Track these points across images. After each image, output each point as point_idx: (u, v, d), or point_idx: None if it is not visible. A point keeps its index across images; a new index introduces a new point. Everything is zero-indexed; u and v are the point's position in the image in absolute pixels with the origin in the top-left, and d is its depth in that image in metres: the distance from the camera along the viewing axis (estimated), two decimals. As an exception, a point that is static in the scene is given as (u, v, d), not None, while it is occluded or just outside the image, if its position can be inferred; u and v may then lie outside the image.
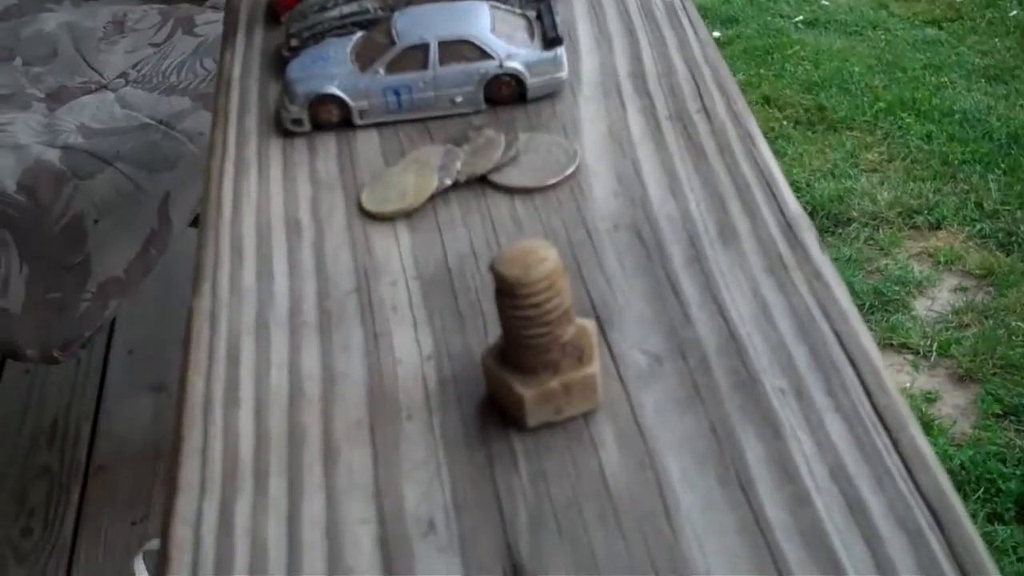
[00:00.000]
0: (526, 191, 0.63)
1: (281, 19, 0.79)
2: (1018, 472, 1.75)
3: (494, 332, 0.53)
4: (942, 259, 2.29)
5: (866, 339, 0.52)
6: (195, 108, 1.75)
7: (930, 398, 1.98)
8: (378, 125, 0.69)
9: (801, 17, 3.28)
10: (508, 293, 0.47)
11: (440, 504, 0.46)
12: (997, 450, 1.81)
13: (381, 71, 0.68)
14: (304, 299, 0.57)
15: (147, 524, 1.69)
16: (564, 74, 0.70)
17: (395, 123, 0.69)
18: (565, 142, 0.66)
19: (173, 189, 1.61)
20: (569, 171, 0.63)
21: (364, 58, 0.69)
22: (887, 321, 2.14)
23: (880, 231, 2.38)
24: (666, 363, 0.52)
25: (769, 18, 3.28)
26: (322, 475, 0.48)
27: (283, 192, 0.65)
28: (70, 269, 1.52)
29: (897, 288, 2.22)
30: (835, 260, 2.27)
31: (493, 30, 0.69)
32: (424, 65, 0.68)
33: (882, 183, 2.53)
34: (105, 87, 1.91)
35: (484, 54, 0.68)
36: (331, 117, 0.69)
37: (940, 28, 3.16)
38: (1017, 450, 1.81)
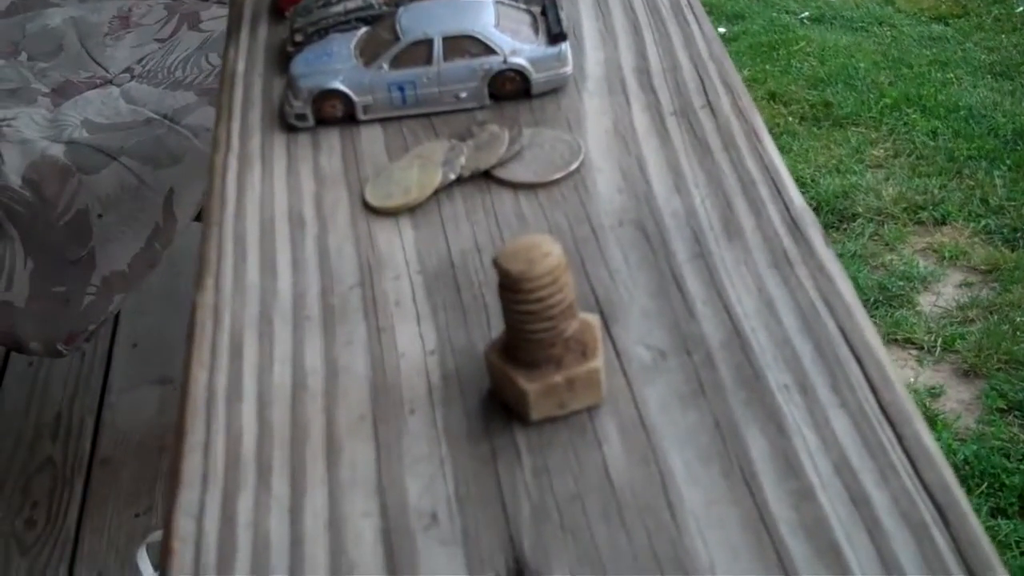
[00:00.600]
0: (530, 186, 0.63)
1: (285, 14, 0.79)
2: (1022, 467, 1.75)
3: (497, 327, 0.53)
4: (947, 255, 2.29)
5: (871, 335, 0.52)
6: (200, 103, 1.75)
7: (934, 393, 1.98)
8: (382, 120, 0.69)
9: (807, 13, 3.28)
10: (511, 288, 0.47)
11: (443, 498, 0.46)
12: (1001, 445, 1.81)
13: (385, 66, 0.68)
14: (307, 294, 0.57)
15: (150, 516, 1.70)
16: (569, 70, 0.70)
17: (399, 118, 0.69)
18: (569, 137, 0.66)
19: (177, 184, 1.61)
20: (573, 167, 0.63)
21: (368, 53, 0.69)
22: (892, 316, 2.14)
23: (885, 227, 2.38)
24: (670, 358, 0.52)
25: (775, 14, 3.28)
26: (324, 469, 0.48)
27: (287, 187, 0.65)
28: (74, 263, 1.52)
29: (902, 283, 2.22)
30: (840, 256, 2.26)
31: (497, 25, 0.69)
32: (428, 60, 0.68)
33: (887, 179, 2.52)
34: (110, 82, 1.91)
35: (488, 49, 0.68)
36: (335, 112, 0.69)
37: (946, 24, 3.16)
38: (1021, 445, 1.81)
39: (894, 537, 0.42)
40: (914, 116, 2.72)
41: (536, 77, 0.69)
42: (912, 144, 2.63)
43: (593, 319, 0.50)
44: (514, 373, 0.48)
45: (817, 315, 0.53)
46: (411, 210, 0.62)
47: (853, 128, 2.72)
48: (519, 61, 0.68)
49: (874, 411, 0.48)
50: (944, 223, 2.39)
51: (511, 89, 0.69)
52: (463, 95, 0.69)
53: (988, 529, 1.67)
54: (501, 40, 0.68)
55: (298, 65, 0.70)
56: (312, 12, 0.75)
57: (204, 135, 1.68)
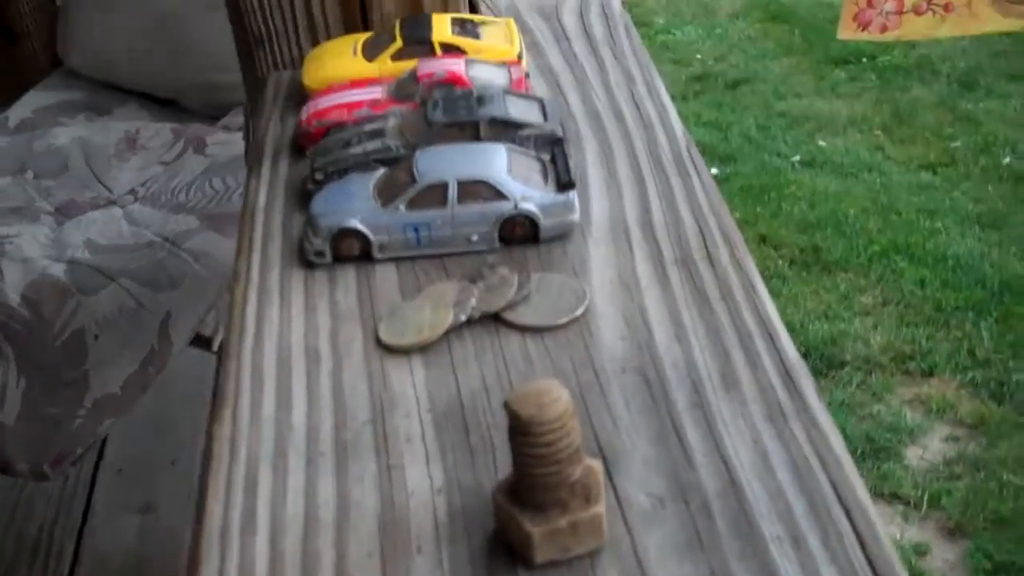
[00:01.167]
0: (537, 330, 0.65)
1: (306, 152, 0.82)
2: (1007, 631, 1.75)
3: (503, 467, 0.55)
4: (934, 407, 2.30)
5: (860, 490, 0.54)
6: (202, 228, 1.78)
7: (920, 551, 1.97)
8: (396, 259, 0.72)
9: (798, 157, 3.35)
10: (521, 431, 0.49)
11: (446, 637, 0.47)
12: (987, 607, 1.80)
13: (401, 207, 0.71)
14: (321, 428, 0.59)
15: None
16: (576, 217, 0.73)
17: (413, 258, 0.72)
18: (575, 283, 0.68)
19: (175, 308, 1.63)
20: (578, 312, 0.66)
21: (386, 194, 0.72)
22: (878, 469, 2.14)
23: (873, 376, 2.40)
24: (669, 506, 0.53)
25: (767, 157, 3.35)
26: (332, 603, 0.49)
27: (304, 322, 0.67)
28: (68, 384, 1.53)
29: (889, 435, 2.23)
30: (828, 404, 2.28)
31: (509, 172, 0.72)
32: (443, 203, 0.71)
33: (875, 327, 2.55)
34: (114, 203, 1.95)
35: (500, 195, 0.71)
36: (352, 250, 0.71)
37: (935, 173, 3.23)
38: (1007, 608, 1.80)
39: None
40: (902, 264, 2.76)
41: (545, 223, 0.72)
42: (900, 292, 2.66)
43: (596, 464, 0.52)
44: (519, 515, 0.50)
45: (810, 469, 0.55)
46: (423, 349, 0.64)
47: (842, 274, 2.76)
48: (529, 207, 0.71)
49: (862, 566, 0.49)
50: (931, 374, 2.41)
51: (521, 234, 0.72)
52: (475, 238, 0.72)
53: None
54: (513, 186, 0.71)
55: (318, 203, 0.73)
56: (332, 152, 0.78)
57: (204, 260, 1.70)
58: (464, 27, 0.92)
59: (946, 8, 1.70)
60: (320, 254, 0.71)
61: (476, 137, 0.76)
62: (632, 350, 0.63)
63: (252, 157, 0.86)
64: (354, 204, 0.72)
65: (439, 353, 0.64)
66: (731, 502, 0.53)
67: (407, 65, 0.87)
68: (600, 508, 0.51)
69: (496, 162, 0.72)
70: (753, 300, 0.67)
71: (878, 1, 1.72)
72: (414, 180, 0.72)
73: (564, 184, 0.73)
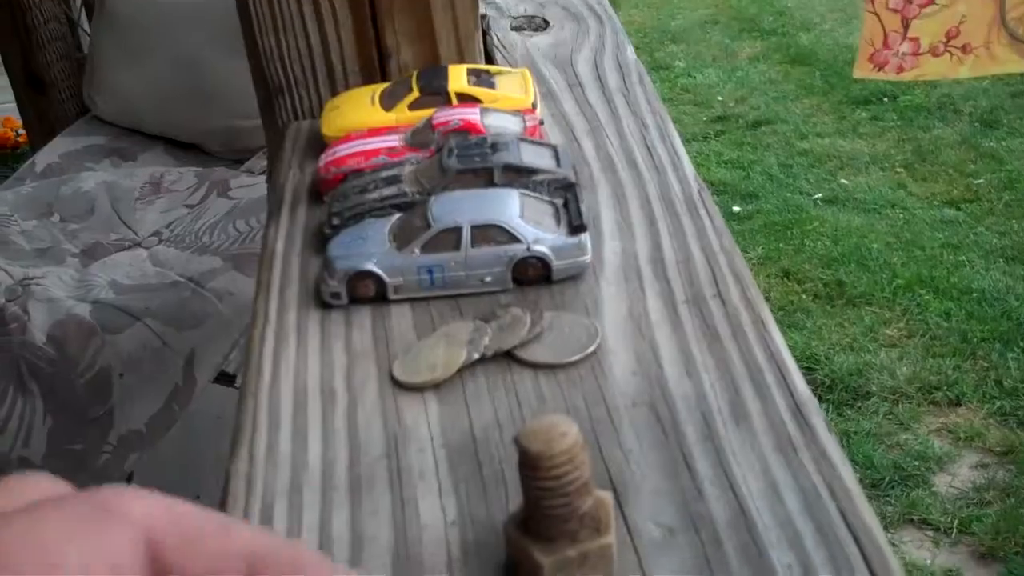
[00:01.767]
0: (549, 367, 0.66)
1: (324, 198, 0.84)
2: (1039, 656, 1.74)
3: (516, 500, 0.56)
4: (962, 435, 2.30)
5: (870, 517, 0.55)
6: (225, 268, 1.80)
7: (951, 576, 1.96)
8: (411, 300, 0.74)
9: (820, 194, 3.36)
10: (530, 465, 0.50)
11: (460, 667, 0.48)
12: (1018, 633, 1.79)
13: (416, 251, 0.73)
14: (336, 464, 0.60)
15: None
16: (588, 258, 0.74)
17: (427, 299, 0.74)
18: (587, 322, 0.70)
19: (198, 346, 1.65)
20: (590, 349, 0.67)
21: (401, 238, 0.74)
22: (907, 496, 2.14)
23: (900, 406, 2.40)
24: (679, 536, 0.54)
25: (789, 194, 3.37)
26: (349, 635, 0.50)
27: (320, 361, 0.69)
28: (93, 421, 1.55)
29: (917, 463, 2.23)
30: (855, 433, 2.29)
31: (522, 216, 0.73)
32: (457, 247, 0.73)
33: (901, 358, 2.55)
34: (139, 244, 1.98)
35: (513, 238, 0.73)
36: (368, 292, 0.73)
37: (958, 209, 3.23)
38: (1039, 633, 1.79)
39: None
40: (927, 297, 2.76)
41: (557, 264, 0.73)
42: (925, 325, 2.66)
43: (606, 496, 0.53)
44: (530, 546, 0.51)
45: (819, 498, 0.56)
46: (436, 386, 0.65)
47: (866, 307, 2.77)
48: (541, 249, 0.73)
49: (872, 594, 0.50)
50: (959, 404, 2.41)
51: (533, 275, 0.74)
52: (488, 279, 0.73)
53: None
54: (525, 230, 0.73)
55: (335, 247, 0.75)
56: (349, 198, 0.80)
57: (228, 299, 1.73)
58: (480, 77, 0.94)
59: (964, 50, 1.71)
60: (336, 295, 0.73)
61: (490, 183, 0.78)
62: (643, 385, 0.65)
63: (271, 203, 0.88)
64: (370, 248, 0.74)
65: (453, 390, 0.65)
66: (741, 531, 0.54)
67: (424, 114, 0.89)
68: (610, 539, 0.52)
69: (509, 206, 0.74)
70: (763, 336, 0.68)
71: (894, 42, 1.73)
72: (429, 224, 0.74)
73: (576, 227, 0.74)
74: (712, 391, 0.64)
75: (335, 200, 0.81)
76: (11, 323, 1.65)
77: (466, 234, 0.73)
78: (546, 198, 0.77)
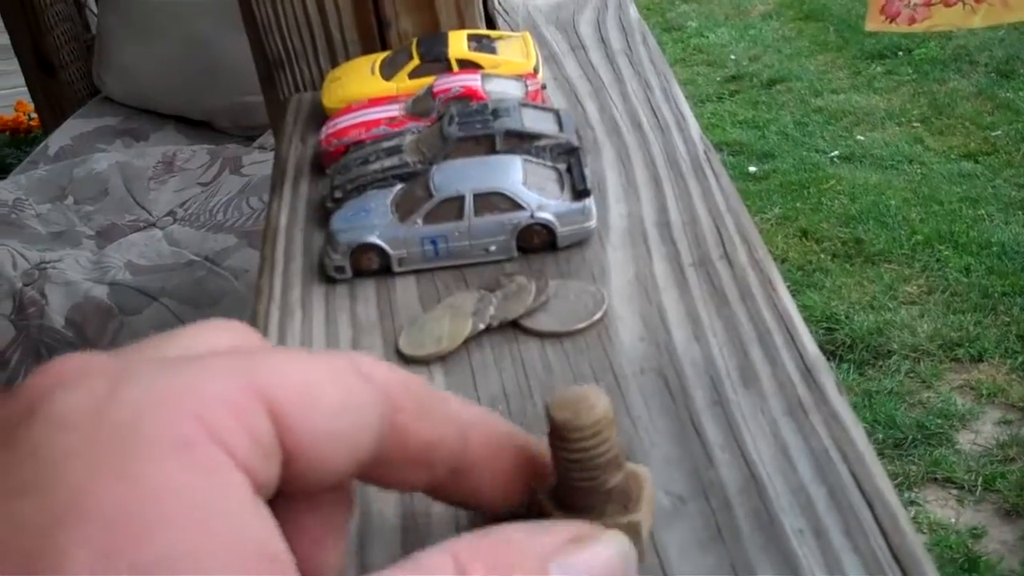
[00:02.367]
0: (556, 335, 0.66)
1: (326, 170, 0.84)
2: (1067, 611, 1.73)
3: (523, 472, 0.56)
4: (985, 392, 2.29)
5: (882, 480, 0.54)
6: (240, 245, 1.80)
7: (976, 534, 1.96)
8: (416, 272, 0.73)
9: (837, 152, 3.34)
10: (557, 435, 0.49)
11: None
12: (1046, 588, 1.78)
13: (419, 222, 0.72)
14: (342, 440, 0.59)
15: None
16: (592, 223, 0.73)
17: (432, 270, 0.73)
18: (593, 288, 0.69)
19: (216, 325, 1.65)
20: (597, 316, 0.66)
21: (403, 209, 0.73)
22: (930, 455, 2.13)
23: (921, 364, 2.39)
24: (690, 503, 0.54)
25: (805, 153, 3.34)
26: None
27: (325, 335, 0.68)
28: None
29: (940, 421, 2.21)
30: (876, 393, 2.27)
31: (525, 182, 0.72)
32: (460, 216, 0.72)
33: (922, 315, 2.53)
34: (153, 225, 1.98)
35: (516, 205, 0.72)
36: (371, 264, 0.72)
37: (976, 162, 3.20)
38: (1066, 588, 1.78)
39: None
40: (946, 253, 2.74)
41: (562, 231, 0.72)
42: (946, 281, 2.64)
43: (643, 471, 0.51)
44: (558, 518, 0.50)
45: (830, 461, 0.55)
46: (443, 358, 0.65)
47: (886, 265, 2.75)
48: (545, 216, 0.72)
49: (885, 556, 0.50)
50: (981, 360, 2.39)
51: (538, 242, 0.73)
52: (492, 248, 0.72)
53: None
54: (528, 196, 0.72)
55: (337, 220, 0.74)
56: (351, 170, 0.79)
57: (244, 277, 1.73)
58: (480, 43, 0.93)
59: None
60: (340, 269, 0.72)
61: (492, 150, 0.77)
62: (651, 351, 0.64)
63: (274, 177, 0.87)
64: (373, 220, 0.73)
65: (459, 361, 0.64)
66: (752, 497, 0.53)
67: (424, 82, 0.88)
68: (638, 517, 0.50)
69: (511, 173, 0.73)
70: (772, 298, 0.67)
71: (905, -7, 1.71)
72: (431, 194, 0.73)
73: (580, 192, 0.73)
74: (720, 355, 0.63)
75: (337, 172, 0.80)
76: (29, 307, 1.65)
77: (468, 203, 0.72)
78: (549, 163, 0.76)
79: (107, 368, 0.33)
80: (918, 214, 2.93)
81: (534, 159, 0.76)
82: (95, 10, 2.74)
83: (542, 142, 0.77)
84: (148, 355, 0.36)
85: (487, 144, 0.77)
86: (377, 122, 0.85)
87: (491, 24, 1.10)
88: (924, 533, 1.92)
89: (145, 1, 2.43)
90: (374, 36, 1.00)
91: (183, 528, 0.29)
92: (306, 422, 0.34)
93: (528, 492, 0.48)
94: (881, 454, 2.00)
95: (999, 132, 3.32)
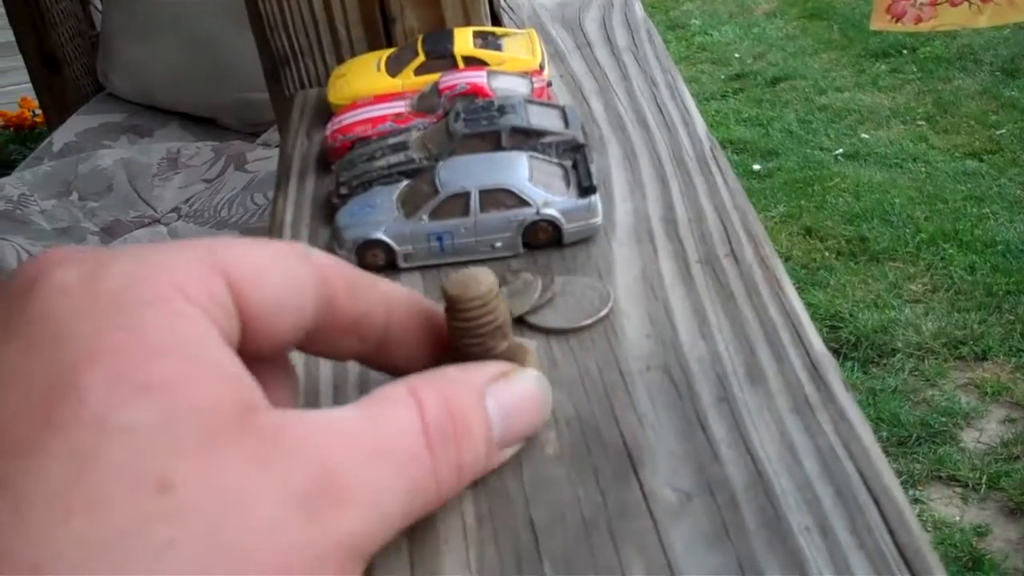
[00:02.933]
0: (561, 332, 0.66)
1: (332, 167, 0.84)
2: (1071, 610, 1.73)
3: (529, 466, 0.56)
4: (989, 390, 2.28)
5: (889, 478, 0.54)
6: (246, 242, 1.80)
7: (980, 532, 1.95)
8: (421, 268, 0.73)
9: (841, 150, 3.33)
10: (450, 307, 0.56)
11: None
12: (1049, 587, 1.78)
13: (425, 218, 0.72)
14: (348, 436, 0.59)
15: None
16: (598, 220, 0.73)
17: (437, 266, 0.73)
18: (599, 285, 0.69)
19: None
20: (603, 313, 0.66)
21: (409, 205, 0.73)
22: (935, 453, 2.13)
23: (925, 362, 2.38)
24: (695, 500, 0.54)
25: (809, 151, 3.34)
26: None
27: (330, 333, 0.68)
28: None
29: (944, 419, 2.21)
30: (880, 391, 2.27)
31: (531, 179, 0.72)
32: (465, 212, 0.72)
33: (926, 314, 2.53)
34: (158, 221, 1.98)
35: (522, 202, 0.72)
36: (377, 261, 0.72)
37: (980, 160, 3.19)
38: (1070, 587, 1.78)
39: None
40: (951, 251, 2.74)
41: (567, 227, 0.72)
42: (950, 279, 2.64)
43: (529, 344, 0.59)
44: None
45: (837, 459, 0.55)
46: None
47: (890, 263, 2.74)
48: (551, 212, 0.72)
49: (893, 555, 0.49)
50: (985, 358, 2.39)
51: (544, 239, 0.73)
52: (498, 244, 0.72)
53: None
54: (534, 193, 0.72)
55: (343, 216, 0.74)
56: (356, 166, 0.79)
57: (249, 273, 1.72)
58: (486, 40, 0.93)
59: (983, -2, 1.68)
60: (346, 266, 0.72)
61: (498, 146, 0.77)
62: (656, 348, 0.64)
63: (280, 173, 0.87)
64: (378, 216, 0.73)
65: (464, 359, 0.64)
66: (758, 494, 0.53)
67: (430, 79, 0.88)
68: None
69: (517, 170, 0.73)
70: (779, 295, 0.67)
71: (911, -8, 1.70)
72: (437, 191, 0.73)
73: (586, 189, 0.73)
74: (727, 352, 0.63)
75: (343, 168, 0.80)
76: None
77: (474, 199, 0.72)
78: (555, 160, 0.76)
79: (93, 252, 0.40)
80: (922, 212, 2.93)
81: (540, 156, 0.76)
82: (100, 7, 2.73)
83: (548, 139, 0.77)
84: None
85: (493, 140, 0.77)
86: (383, 118, 0.85)
87: (496, 21, 1.09)
88: (928, 531, 1.92)
89: (150, -2, 2.43)
90: (379, 33, 1.00)
91: (175, 357, 0.36)
92: (257, 293, 0.41)
93: (434, 360, 0.55)
94: (885, 452, 2.00)
95: (1004, 131, 3.31)
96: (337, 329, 0.48)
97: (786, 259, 2.73)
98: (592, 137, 0.85)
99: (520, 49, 0.92)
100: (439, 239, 0.72)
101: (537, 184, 0.72)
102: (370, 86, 0.91)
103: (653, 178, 0.80)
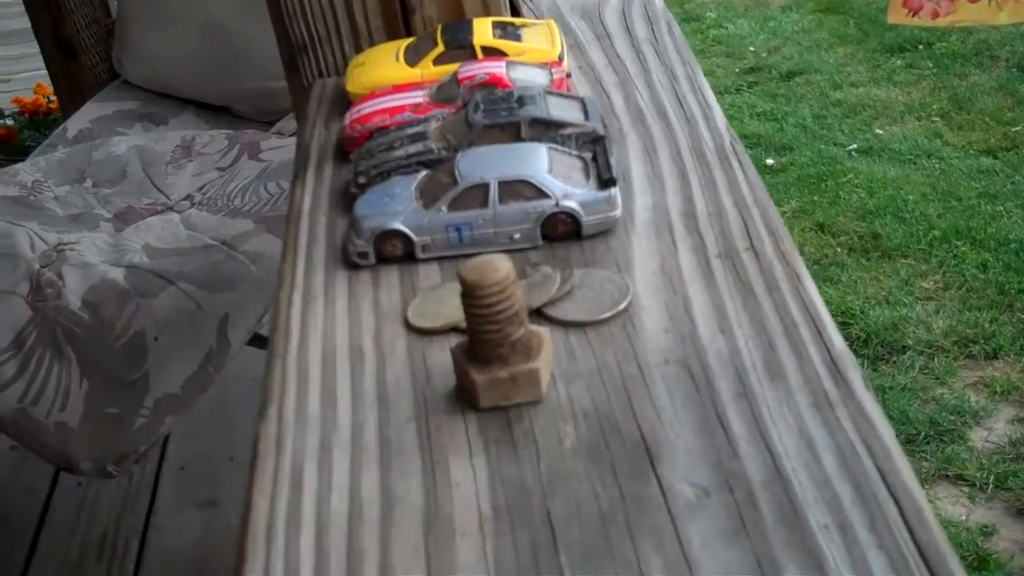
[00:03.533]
0: (580, 325, 0.65)
1: (350, 156, 0.83)
2: (1080, 610, 1.72)
3: (546, 459, 0.56)
4: (999, 389, 2.27)
5: (908, 476, 0.53)
6: (258, 230, 1.80)
7: (987, 531, 1.94)
8: (439, 259, 0.73)
9: (855, 145, 3.32)
10: (467, 294, 0.58)
11: (492, 630, 0.47)
12: (1057, 587, 1.77)
13: (444, 209, 0.72)
14: (365, 425, 0.59)
15: (191, 640, 1.70)
16: (618, 213, 0.73)
17: (456, 257, 0.73)
18: (618, 278, 0.68)
19: (232, 309, 1.65)
20: (622, 306, 0.66)
21: (428, 196, 0.73)
22: (942, 452, 2.12)
23: (935, 360, 2.37)
24: (713, 496, 0.53)
25: (823, 146, 3.32)
26: (379, 598, 0.49)
27: (348, 322, 0.68)
28: (129, 385, 1.55)
29: (953, 418, 2.20)
30: (890, 388, 2.26)
31: (550, 171, 0.72)
32: (484, 203, 0.71)
33: (937, 311, 2.52)
34: (171, 208, 1.98)
35: (541, 193, 0.71)
36: (395, 251, 0.72)
37: (995, 158, 3.17)
38: (1078, 587, 1.77)
39: None
40: (964, 249, 2.72)
41: (587, 220, 0.72)
42: (962, 277, 2.62)
43: (542, 331, 0.61)
44: (468, 367, 0.59)
45: (856, 456, 0.54)
46: (458, 330, 0.65)
47: (902, 260, 2.73)
48: (571, 205, 0.72)
49: (912, 553, 0.49)
50: (995, 357, 2.37)
51: (563, 231, 0.72)
52: (517, 236, 0.72)
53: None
54: (554, 185, 0.72)
55: (361, 206, 0.74)
56: (375, 155, 0.79)
57: (261, 262, 1.72)
58: (505, 30, 0.92)
59: (1003, -5, 1.67)
60: (363, 255, 0.72)
61: (517, 137, 0.77)
62: (675, 342, 0.63)
63: (298, 162, 0.87)
64: (397, 206, 0.73)
65: (483, 350, 0.64)
66: (777, 491, 0.53)
67: (449, 69, 0.88)
68: (537, 364, 0.59)
69: (537, 161, 0.73)
70: (799, 291, 0.66)
71: (928, -14, 1.69)
72: (456, 181, 0.72)
73: (605, 181, 0.73)
74: (746, 347, 0.62)
75: (361, 158, 0.80)
76: (46, 288, 1.65)
77: (494, 190, 0.71)
78: (574, 152, 0.76)
79: None
80: (936, 209, 2.91)
81: (559, 148, 0.75)
82: (115, -7, 2.73)
83: (568, 130, 0.77)
84: None
85: (512, 132, 0.77)
86: (401, 108, 0.85)
87: (515, 12, 1.09)
88: (937, 530, 1.91)
89: (166, -15, 2.42)
90: (398, 22, 1.00)
91: None
92: None
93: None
94: (896, 450, 1.99)
95: (1019, 128, 3.29)
96: None
97: (798, 255, 2.71)
98: (612, 129, 0.85)
99: (539, 40, 0.92)
100: (457, 230, 0.72)
101: (557, 176, 0.72)
102: (389, 76, 0.91)
103: (673, 171, 0.79)
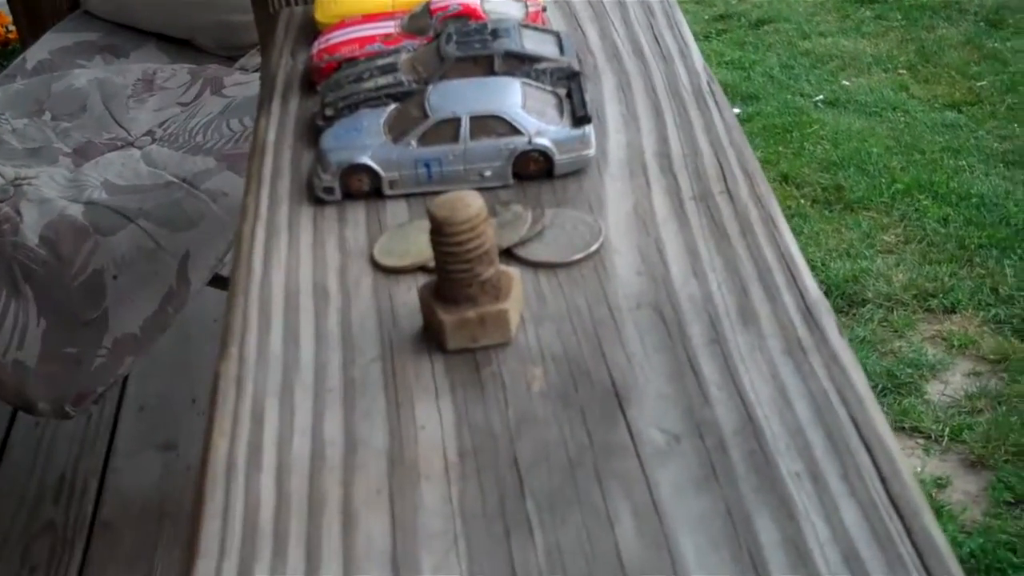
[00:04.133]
0: (550, 266, 0.64)
1: (317, 87, 0.81)
2: (1029, 562, 1.74)
3: (514, 403, 0.54)
4: (956, 343, 2.29)
5: (882, 426, 0.53)
6: (220, 168, 1.77)
7: (940, 483, 1.97)
8: (407, 196, 0.71)
9: (822, 96, 3.31)
10: (436, 230, 0.56)
11: (456, 575, 0.46)
12: (1007, 539, 1.79)
13: (413, 143, 0.70)
14: (329, 365, 0.58)
15: (149, 582, 1.69)
16: (591, 152, 0.71)
17: (424, 194, 0.71)
18: (590, 219, 0.67)
19: (193, 248, 1.62)
20: (593, 248, 0.64)
21: (397, 130, 0.71)
22: (899, 404, 2.13)
23: (894, 313, 2.38)
24: (684, 442, 0.52)
25: (789, 96, 3.31)
26: (340, 542, 0.48)
27: (312, 258, 0.66)
28: (87, 324, 1.53)
29: (910, 371, 2.21)
30: (849, 341, 2.27)
31: (524, 107, 0.70)
32: (455, 139, 0.69)
33: (898, 265, 2.53)
34: (131, 144, 1.94)
35: (514, 130, 0.70)
36: (362, 187, 0.70)
37: (959, 112, 3.18)
38: (1029, 539, 1.80)
39: (903, 631, 0.43)
40: (925, 202, 2.73)
41: (559, 158, 0.70)
42: (923, 231, 2.63)
43: (512, 271, 0.59)
44: (437, 307, 0.57)
45: (829, 404, 0.54)
46: (425, 270, 0.63)
47: (864, 213, 2.73)
48: (543, 142, 0.70)
49: (884, 502, 0.48)
50: (954, 311, 2.39)
51: (535, 169, 0.71)
52: (487, 174, 0.70)
53: (993, 622, 1.66)
54: (526, 121, 0.70)
55: (328, 139, 0.72)
56: (343, 87, 0.76)
57: (222, 200, 1.69)
58: (478, -41, 0.90)
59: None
60: (329, 190, 0.70)
61: (490, 71, 0.75)
62: (647, 285, 0.62)
63: (263, 92, 0.85)
64: (365, 140, 0.71)
65: (450, 290, 0.62)
66: (748, 438, 0.52)
67: (421, -1, 0.86)
68: (507, 305, 0.57)
69: (510, 97, 0.71)
70: (774, 235, 0.65)
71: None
72: (426, 115, 0.70)
73: (580, 119, 0.71)
74: (719, 292, 0.61)
75: (328, 90, 0.77)
76: (3, 224, 1.62)
77: (465, 125, 0.69)
78: (548, 88, 0.74)
79: None
80: (899, 163, 2.91)
81: (533, 83, 0.73)
82: (75, -81, 2.66)
83: (542, 65, 0.75)
84: None
85: (485, 65, 0.74)
86: (372, 39, 0.82)
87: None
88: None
89: (127, -89, 2.36)
90: (369, -49, 0.97)
91: None
92: None
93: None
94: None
95: (984, 82, 3.29)
96: None
97: (762, 204, 2.71)
98: (586, 65, 0.83)
99: (514, -28, 0.89)
100: (427, 166, 0.70)
101: (530, 112, 0.70)
102: (359, 4, 0.88)
103: (648, 110, 0.77)
